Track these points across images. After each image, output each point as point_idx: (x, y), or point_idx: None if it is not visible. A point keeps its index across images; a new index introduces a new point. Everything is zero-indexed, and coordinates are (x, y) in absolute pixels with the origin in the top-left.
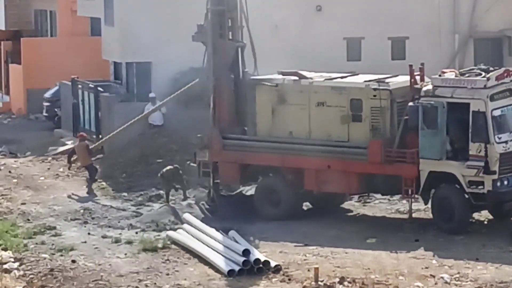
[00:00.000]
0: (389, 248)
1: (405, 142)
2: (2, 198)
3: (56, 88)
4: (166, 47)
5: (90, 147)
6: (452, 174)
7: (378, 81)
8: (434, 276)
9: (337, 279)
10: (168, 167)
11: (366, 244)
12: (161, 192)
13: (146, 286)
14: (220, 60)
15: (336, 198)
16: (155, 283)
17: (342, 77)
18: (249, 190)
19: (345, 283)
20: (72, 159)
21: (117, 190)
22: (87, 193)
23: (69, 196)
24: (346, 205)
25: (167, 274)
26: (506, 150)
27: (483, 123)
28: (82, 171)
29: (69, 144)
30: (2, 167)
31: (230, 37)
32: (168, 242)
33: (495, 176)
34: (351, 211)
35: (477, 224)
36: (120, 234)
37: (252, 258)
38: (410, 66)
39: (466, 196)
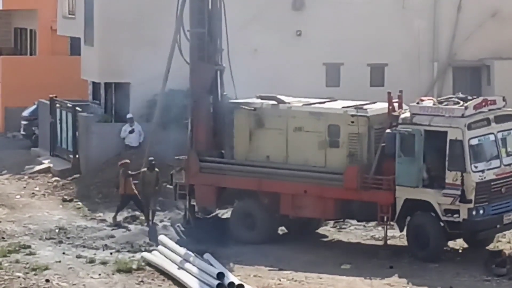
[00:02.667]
0: (364, 274)
1: (381, 169)
2: None
3: (34, 106)
4: (145, 68)
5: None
6: (428, 202)
7: (356, 107)
8: None
9: None
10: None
11: (341, 270)
12: (137, 213)
13: None
14: (198, 82)
15: (312, 223)
16: None
17: (320, 103)
18: (225, 213)
19: None
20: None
21: (92, 210)
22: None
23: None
24: (321, 230)
25: None
26: (483, 179)
27: (460, 151)
28: (58, 190)
29: (46, 163)
30: None
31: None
32: (143, 264)
33: (471, 205)
34: (327, 237)
35: (451, 252)
36: (95, 254)
37: (226, 281)
38: (389, 93)
39: (442, 224)
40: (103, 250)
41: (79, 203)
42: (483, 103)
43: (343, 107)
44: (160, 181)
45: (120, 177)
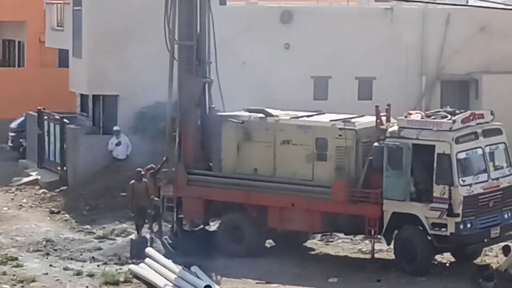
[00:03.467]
0: (351, 287)
1: (369, 182)
2: None
3: (22, 118)
4: (133, 81)
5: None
6: (416, 215)
7: (344, 120)
8: None
9: None
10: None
11: (328, 283)
12: (124, 225)
13: None
14: (186, 95)
15: (299, 236)
16: None
17: (308, 116)
18: (213, 226)
19: None
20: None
21: (80, 222)
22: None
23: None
24: (309, 243)
25: None
26: (470, 193)
27: (448, 165)
28: (45, 202)
29: (34, 175)
30: None
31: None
32: (130, 276)
33: (459, 219)
34: (314, 250)
35: (439, 266)
36: (82, 266)
37: None
38: (377, 106)
39: (429, 238)
40: (90, 262)
41: (67, 215)
42: (471, 117)
43: (331, 120)
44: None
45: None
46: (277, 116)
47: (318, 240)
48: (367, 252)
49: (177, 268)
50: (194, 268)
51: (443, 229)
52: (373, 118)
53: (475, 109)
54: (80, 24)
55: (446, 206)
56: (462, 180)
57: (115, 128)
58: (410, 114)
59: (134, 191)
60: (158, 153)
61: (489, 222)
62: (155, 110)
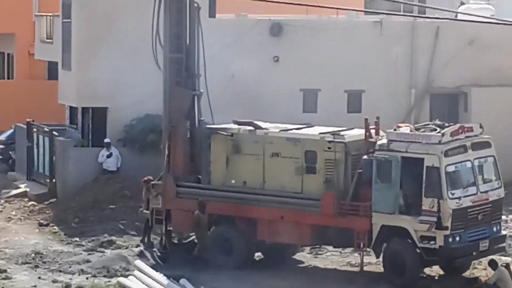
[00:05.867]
0: None
1: (358, 195)
2: None
3: (11, 130)
4: (122, 93)
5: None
6: (405, 228)
7: (333, 133)
8: None
9: None
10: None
11: None
12: (113, 237)
13: None
14: (176, 107)
15: (288, 249)
16: None
17: (297, 129)
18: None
19: None
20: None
21: (69, 234)
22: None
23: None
24: (298, 256)
25: None
26: (459, 206)
27: (437, 178)
28: (34, 214)
29: (22, 188)
30: None
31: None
32: None
33: (447, 232)
34: (303, 263)
35: (428, 279)
36: (71, 279)
37: None
38: (366, 119)
39: (418, 251)
40: (79, 274)
41: (56, 227)
42: (460, 130)
43: (320, 133)
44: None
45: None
46: (266, 128)
47: (307, 253)
48: (356, 265)
49: (165, 280)
50: (182, 281)
51: (432, 242)
52: (362, 131)
53: (464, 122)
54: (69, 36)
55: (435, 219)
56: (451, 193)
57: (105, 140)
58: (399, 127)
59: (199, 222)
60: (148, 166)
61: (478, 235)
62: (144, 122)
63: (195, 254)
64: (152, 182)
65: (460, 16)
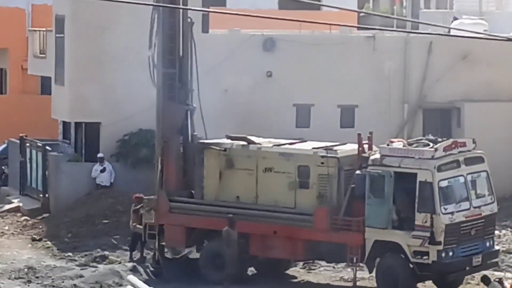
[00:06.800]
0: None
1: (351, 210)
2: None
3: (4, 145)
4: (115, 108)
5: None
6: (398, 243)
7: (326, 148)
8: None
9: None
10: None
11: None
12: (106, 252)
13: None
14: (169, 122)
15: (281, 264)
16: None
17: (290, 144)
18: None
19: None
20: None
21: (62, 249)
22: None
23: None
24: (291, 271)
25: None
26: (452, 221)
27: (430, 193)
28: (27, 229)
29: (15, 202)
30: None
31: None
32: None
33: (440, 247)
34: (296, 278)
35: None
36: None
37: None
38: (359, 134)
39: (411, 266)
40: None
41: (49, 242)
42: (453, 145)
43: (313, 148)
44: None
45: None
46: (259, 143)
47: (300, 268)
48: (349, 280)
49: None
50: None
51: (425, 257)
52: (355, 146)
53: (457, 137)
54: (62, 51)
55: (428, 234)
56: (444, 208)
57: (99, 155)
58: (392, 142)
59: (229, 238)
60: (141, 181)
61: (471, 250)
62: (137, 137)
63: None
64: (138, 207)
65: (453, 32)
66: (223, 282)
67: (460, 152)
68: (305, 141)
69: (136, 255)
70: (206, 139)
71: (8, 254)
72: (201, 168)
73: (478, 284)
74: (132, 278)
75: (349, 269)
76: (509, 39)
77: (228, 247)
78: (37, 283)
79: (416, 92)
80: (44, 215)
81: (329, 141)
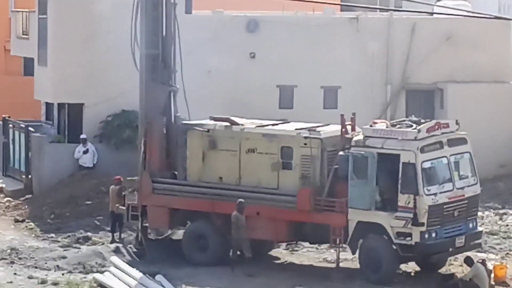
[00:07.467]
0: None
1: (334, 191)
2: None
3: None
4: (98, 89)
5: (124, 192)
6: (381, 224)
7: (309, 129)
8: None
9: None
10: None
11: None
12: (89, 233)
13: None
14: (152, 103)
15: (264, 245)
16: None
17: (273, 125)
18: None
19: None
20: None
21: (45, 230)
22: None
23: None
24: (274, 252)
25: None
26: (435, 203)
27: (413, 174)
28: (10, 210)
29: None
30: None
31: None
32: (95, 285)
33: (423, 228)
34: (279, 259)
35: (404, 276)
36: (47, 275)
37: None
38: (342, 115)
39: (394, 247)
40: (55, 271)
41: (31, 223)
42: (436, 126)
43: (296, 129)
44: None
45: (116, 194)
46: (242, 124)
47: (283, 249)
48: (332, 261)
49: (141, 277)
50: (158, 277)
51: (408, 238)
52: (339, 127)
53: (440, 118)
54: (45, 32)
55: (411, 215)
56: (427, 189)
57: (81, 136)
58: (375, 123)
59: (237, 223)
60: (124, 162)
61: (454, 231)
62: (121, 118)
63: (231, 257)
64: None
65: (436, 12)
66: (231, 267)
67: (443, 133)
68: (288, 122)
69: (117, 236)
70: (189, 120)
71: None
72: (184, 149)
73: (461, 265)
74: (115, 259)
75: (332, 250)
76: (496, 17)
77: (237, 232)
78: (20, 264)
79: (399, 73)
80: (27, 196)
81: (312, 122)
